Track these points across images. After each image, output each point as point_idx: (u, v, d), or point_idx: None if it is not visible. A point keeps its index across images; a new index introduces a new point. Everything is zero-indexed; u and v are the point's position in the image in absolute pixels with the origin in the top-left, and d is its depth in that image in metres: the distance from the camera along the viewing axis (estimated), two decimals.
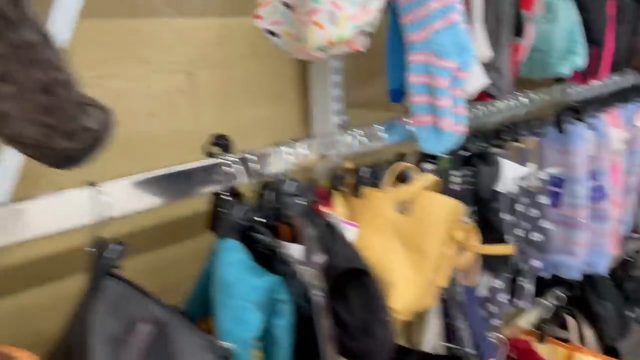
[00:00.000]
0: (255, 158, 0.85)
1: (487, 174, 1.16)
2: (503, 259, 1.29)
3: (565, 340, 1.72)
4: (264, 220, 0.83)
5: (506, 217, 1.26)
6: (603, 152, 1.56)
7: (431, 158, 1.20)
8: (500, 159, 1.21)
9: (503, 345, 1.48)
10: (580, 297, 1.73)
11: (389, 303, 0.87)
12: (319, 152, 0.96)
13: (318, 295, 0.78)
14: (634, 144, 1.79)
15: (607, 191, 1.58)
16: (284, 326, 0.76)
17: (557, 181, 1.57)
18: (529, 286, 1.40)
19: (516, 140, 1.37)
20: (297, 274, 0.77)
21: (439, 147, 1.07)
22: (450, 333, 1.19)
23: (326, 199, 1.00)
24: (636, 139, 1.79)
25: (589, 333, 1.73)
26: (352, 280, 0.85)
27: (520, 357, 1.52)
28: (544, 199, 1.37)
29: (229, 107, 1.12)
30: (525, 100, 1.35)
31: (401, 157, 1.12)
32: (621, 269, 2.01)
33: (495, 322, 1.34)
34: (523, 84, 1.43)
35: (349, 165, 1.06)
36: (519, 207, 1.34)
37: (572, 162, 1.52)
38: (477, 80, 1.05)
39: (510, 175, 1.21)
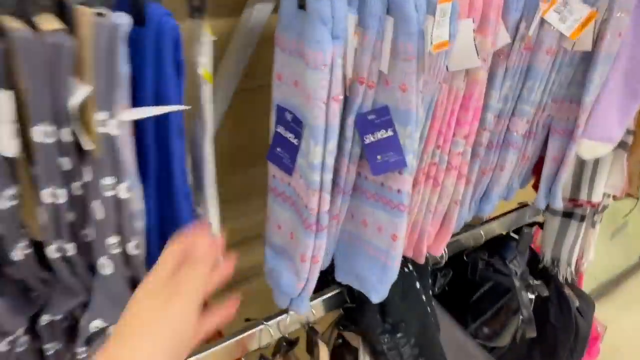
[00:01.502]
0: None
1: None
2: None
3: None
4: None
5: None
6: (407, 66, 0.67)
7: None
8: None
9: None
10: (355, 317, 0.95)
11: None
12: None
13: None
14: (535, 55, 0.87)
15: (406, 152, 0.72)
16: None
17: (288, 118, 0.71)
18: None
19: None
20: None
21: None
22: None
23: None
24: (540, 43, 0.87)
25: None
26: None
27: None
28: (93, 172, 0.52)
29: None
30: None
31: None
32: (487, 261, 1.19)
33: None
34: None
35: None
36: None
37: (307, 83, 0.65)
38: None
39: None
